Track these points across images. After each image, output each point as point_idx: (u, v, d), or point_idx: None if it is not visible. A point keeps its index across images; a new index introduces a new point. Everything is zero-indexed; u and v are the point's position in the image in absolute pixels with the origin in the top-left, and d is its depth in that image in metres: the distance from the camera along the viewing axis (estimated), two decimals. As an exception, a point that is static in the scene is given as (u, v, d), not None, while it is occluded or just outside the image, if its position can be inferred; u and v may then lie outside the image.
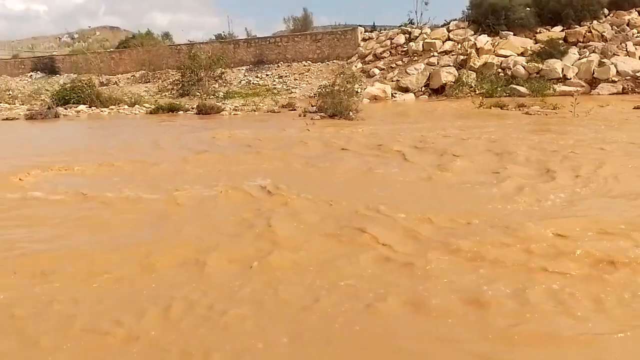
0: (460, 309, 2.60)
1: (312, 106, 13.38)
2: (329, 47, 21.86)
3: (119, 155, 7.70)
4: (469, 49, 17.98)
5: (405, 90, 17.87)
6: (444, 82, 17.31)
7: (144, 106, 17.29)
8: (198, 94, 19.06)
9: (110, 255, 3.54)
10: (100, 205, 4.84)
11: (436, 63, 18.49)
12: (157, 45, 26.02)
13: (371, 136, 8.74)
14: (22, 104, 19.36)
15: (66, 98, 17.52)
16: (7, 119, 15.50)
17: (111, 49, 28.79)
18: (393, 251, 3.39)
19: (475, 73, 17.32)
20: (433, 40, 19.37)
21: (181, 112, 15.86)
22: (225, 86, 20.88)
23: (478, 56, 17.84)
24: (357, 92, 15.82)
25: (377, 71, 19.61)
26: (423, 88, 17.91)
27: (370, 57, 20.61)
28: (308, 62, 21.98)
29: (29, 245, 3.80)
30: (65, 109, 16.68)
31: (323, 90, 13.60)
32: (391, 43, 20.58)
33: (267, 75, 21.90)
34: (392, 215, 4.09)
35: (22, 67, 28.42)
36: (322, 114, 12.49)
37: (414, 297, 2.74)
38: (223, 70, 21.50)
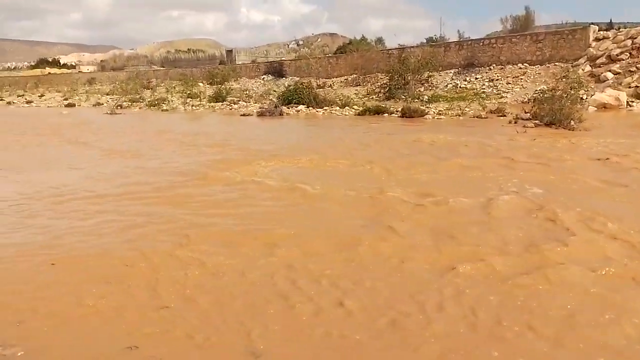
0: None
1: (525, 112, 12.32)
2: (551, 48, 19.75)
3: (330, 152, 8.39)
4: None
5: (647, 98, 15.03)
6: None
7: (353, 108, 18.40)
8: (403, 97, 19.39)
9: (318, 240, 3.90)
10: (317, 197, 5.36)
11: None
12: (370, 50, 27.35)
13: (599, 150, 7.65)
14: (255, 103, 22.59)
15: (289, 98, 19.79)
16: (244, 114, 18.35)
17: (329, 55, 31.42)
18: None
19: None
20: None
21: (386, 114, 16.38)
22: (430, 90, 20.76)
23: None
24: (581, 98, 13.97)
25: (610, 75, 16.95)
26: (673, 96, 14.80)
27: (602, 60, 17.92)
28: (525, 64, 20.26)
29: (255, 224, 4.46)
30: (288, 108, 18.85)
31: (541, 95, 12.37)
32: (632, 43, 17.51)
33: (476, 78, 20.97)
34: None
35: (258, 70, 33.12)
36: (536, 121, 11.41)
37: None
38: (430, 73, 21.40)
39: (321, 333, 2.65)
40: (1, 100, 36.70)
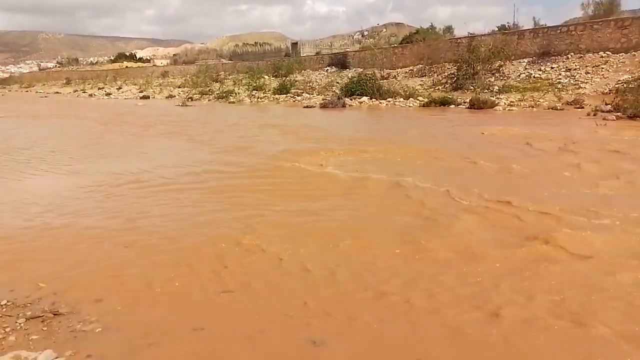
0: None
1: (606, 104, 11.45)
2: (639, 35, 18.17)
3: (393, 144, 8.27)
4: None
5: None
6: None
7: (418, 99, 17.98)
8: (472, 87, 18.67)
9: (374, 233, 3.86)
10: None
11: None
12: (437, 39, 26.54)
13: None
14: (319, 94, 22.70)
15: (352, 90, 19.70)
16: (307, 106, 18.50)
17: (394, 45, 30.85)
18: None
19: None
20: None
21: (452, 105, 15.87)
22: (501, 80, 19.82)
23: None
24: (673, 88, 12.77)
25: None
26: None
27: (699, 45, 16.24)
28: (607, 52, 18.79)
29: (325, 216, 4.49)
30: (351, 99, 18.78)
31: (625, 85, 11.45)
32: None
33: (551, 68, 19.74)
34: None
35: (322, 62, 33.21)
36: (618, 113, 10.58)
37: None
38: (502, 63, 20.42)
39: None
40: (84, 92, 39.51)
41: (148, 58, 69.49)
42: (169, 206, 4.98)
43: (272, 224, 4.29)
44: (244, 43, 70.04)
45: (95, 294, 3.10)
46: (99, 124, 14.36)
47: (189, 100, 23.90)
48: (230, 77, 34.52)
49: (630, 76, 13.49)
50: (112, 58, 68.77)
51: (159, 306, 2.95)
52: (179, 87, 33.72)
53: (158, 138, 10.91)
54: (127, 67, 55.39)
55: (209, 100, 24.68)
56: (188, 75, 37.35)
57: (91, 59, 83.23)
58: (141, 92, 33.74)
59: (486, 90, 17.96)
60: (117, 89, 39.40)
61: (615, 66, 17.96)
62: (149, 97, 30.19)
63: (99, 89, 40.55)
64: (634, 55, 17.94)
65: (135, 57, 67.70)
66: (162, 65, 54.44)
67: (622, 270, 3.13)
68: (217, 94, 25.96)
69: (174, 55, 67.10)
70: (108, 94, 35.46)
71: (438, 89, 20.58)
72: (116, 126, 13.72)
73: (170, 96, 29.18)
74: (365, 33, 60.77)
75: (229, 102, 23.16)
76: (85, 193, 5.68)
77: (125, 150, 9.25)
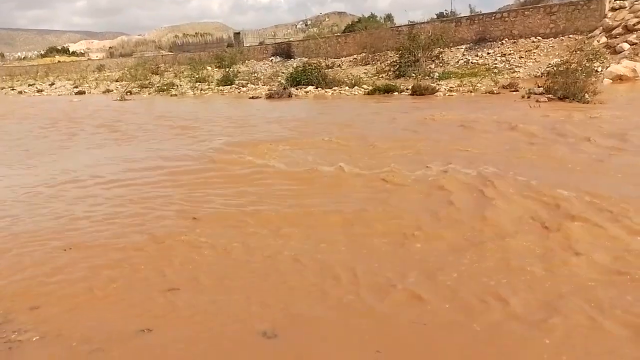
0: None
1: (539, 87, 12.06)
2: (566, 20, 19.22)
3: (339, 133, 8.32)
4: None
5: (665, 68, 14.61)
6: None
7: (362, 87, 18.18)
8: (414, 75, 19.09)
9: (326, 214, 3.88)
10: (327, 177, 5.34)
11: None
12: (379, 28, 26.89)
13: (615, 122, 7.47)
14: (264, 85, 22.43)
15: (297, 79, 19.61)
16: (252, 97, 18.25)
17: (337, 34, 30.96)
18: None
19: None
20: None
21: (396, 93, 16.17)
22: (441, 66, 20.41)
23: None
24: (596, 71, 13.63)
25: (626, 46, 16.49)
26: (692, 65, 14.35)
27: (618, 30, 17.41)
28: (538, 37, 19.78)
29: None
30: (297, 89, 18.69)
31: (555, 68, 12.10)
32: (650, 11, 16.97)
33: (487, 53, 20.55)
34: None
35: (266, 52, 32.84)
36: (549, 95, 11.18)
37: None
38: (441, 50, 21.01)
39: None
40: (12, 89, 36.99)
41: (82, 52, 65.90)
42: (109, 205, 4.77)
43: (218, 218, 4.21)
44: (184, 34, 67.89)
45: (30, 301, 2.93)
46: (29, 123, 13.51)
47: (128, 94, 22.92)
48: (171, 69, 33.44)
49: (559, 60, 14.26)
50: (43, 52, 64.70)
51: (101, 310, 2.83)
52: (117, 81, 32.26)
53: (94, 135, 10.40)
54: (59, 61, 52.32)
55: (149, 94, 23.79)
56: (126, 69, 35.76)
57: (19, 53, 77.84)
58: (76, 87, 31.99)
59: (427, 77, 18.42)
60: (49, 84, 37.16)
61: (545, 50, 18.96)
62: (84, 93, 28.68)
63: (30, 85, 38.07)
64: (562, 39, 19.00)
65: (69, 51, 64.04)
66: (97, 58, 51.89)
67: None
68: (157, 87, 25.06)
69: (110, 48, 64.06)
70: (40, 91, 33.37)
71: (382, 76, 20.91)
72: (50, 124, 12.96)
73: (108, 91, 27.87)
74: (309, 22, 60.58)
75: (171, 95, 22.42)
76: (17, 195, 5.34)
77: (60, 148, 8.76)
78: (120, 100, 20.75)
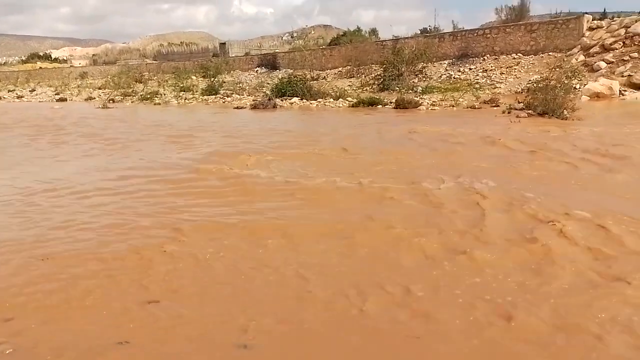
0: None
1: (519, 102, 12.32)
2: (546, 38, 19.73)
3: (324, 145, 8.36)
4: None
5: (639, 87, 15.07)
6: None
7: (347, 100, 18.32)
8: (397, 88, 19.32)
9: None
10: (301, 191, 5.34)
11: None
12: (364, 41, 27.19)
13: (592, 138, 7.66)
14: (249, 95, 22.44)
15: (282, 91, 19.67)
16: (237, 107, 18.24)
17: (323, 47, 31.21)
18: None
19: None
20: (686, 26, 15.81)
21: (380, 106, 16.33)
22: (424, 81, 20.70)
23: None
24: (575, 88, 13.98)
25: (603, 65, 16.97)
26: (666, 85, 14.83)
27: (596, 49, 17.93)
28: (519, 54, 20.25)
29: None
30: (282, 100, 18.75)
31: (535, 85, 12.38)
32: (626, 32, 17.52)
33: (470, 69, 20.94)
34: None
35: (251, 63, 32.89)
36: (529, 111, 11.42)
37: None
38: (424, 64, 21.32)
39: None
40: (-8, 95, 36.27)
41: (65, 58, 65.08)
42: (89, 215, 4.70)
43: (199, 228, 4.18)
44: (169, 43, 67.69)
45: (4, 313, 2.85)
46: (6, 128, 13.27)
47: (111, 102, 22.71)
48: (155, 77, 33.23)
49: (539, 76, 14.60)
50: (24, 58, 63.77)
51: (78, 322, 2.77)
52: (100, 89, 31.95)
53: (74, 143, 10.26)
54: (41, 67, 51.59)
55: (132, 102, 23.60)
56: (109, 76, 35.44)
57: (-1, 59, 76.58)
58: (57, 94, 31.57)
59: (411, 91, 18.66)
60: (30, 91, 36.56)
61: (526, 67, 19.39)
62: (66, 100, 28.32)
63: (10, 91, 37.40)
64: (542, 57, 19.47)
65: (51, 57, 63.22)
66: (80, 65, 51.29)
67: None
68: (141, 95, 24.87)
69: (93, 55, 63.44)
70: (20, 97, 32.82)
71: (366, 89, 21.10)
72: (31, 130, 12.74)
73: (90, 98, 27.57)
74: (295, 34, 60.97)
75: (154, 104, 22.28)
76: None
77: (38, 157, 8.61)
78: (102, 108, 20.53)
